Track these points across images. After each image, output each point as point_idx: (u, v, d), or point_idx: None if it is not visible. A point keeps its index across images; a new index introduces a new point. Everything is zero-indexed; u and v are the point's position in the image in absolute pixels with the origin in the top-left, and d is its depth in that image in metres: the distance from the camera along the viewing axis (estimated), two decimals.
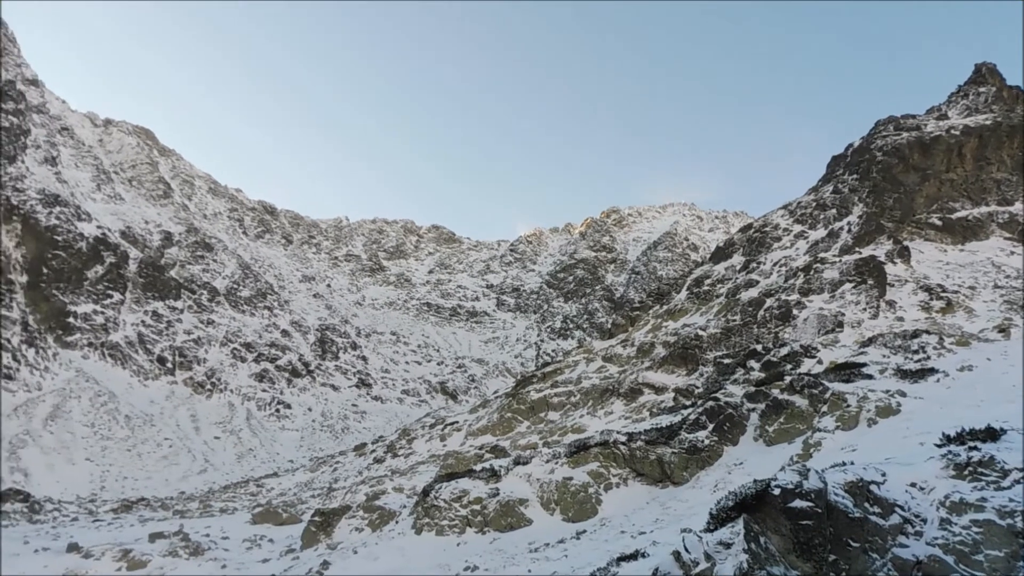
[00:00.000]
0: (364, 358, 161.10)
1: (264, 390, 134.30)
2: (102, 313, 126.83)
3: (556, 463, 24.04)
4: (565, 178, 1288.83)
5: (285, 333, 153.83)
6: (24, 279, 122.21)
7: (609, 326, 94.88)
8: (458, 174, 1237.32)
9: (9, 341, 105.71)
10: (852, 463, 10.23)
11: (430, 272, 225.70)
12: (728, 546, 8.48)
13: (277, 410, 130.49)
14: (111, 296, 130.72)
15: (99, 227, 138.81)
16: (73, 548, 25.93)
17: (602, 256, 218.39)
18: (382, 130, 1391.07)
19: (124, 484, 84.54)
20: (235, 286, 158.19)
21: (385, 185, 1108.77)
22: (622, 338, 76.92)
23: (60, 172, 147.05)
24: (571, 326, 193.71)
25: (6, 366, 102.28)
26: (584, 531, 19.00)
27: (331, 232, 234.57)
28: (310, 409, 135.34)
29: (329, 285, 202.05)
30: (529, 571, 15.39)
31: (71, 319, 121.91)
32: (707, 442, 24.32)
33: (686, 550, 8.50)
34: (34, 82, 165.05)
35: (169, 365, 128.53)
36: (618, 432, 26.67)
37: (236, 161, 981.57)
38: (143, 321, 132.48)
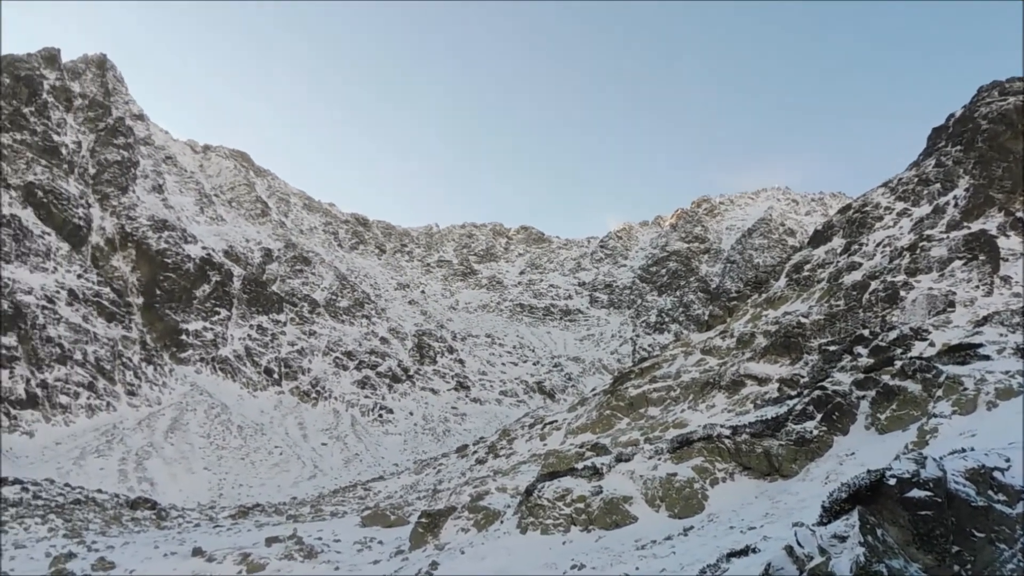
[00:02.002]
0: (461, 361, 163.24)
1: (367, 396, 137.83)
2: (211, 329, 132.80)
3: (659, 459, 23.75)
4: (652, 171, 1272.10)
5: (384, 340, 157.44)
6: (140, 301, 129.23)
7: (706, 318, 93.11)
8: (544, 174, 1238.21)
9: (131, 360, 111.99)
10: (972, 449, 9.72)
11: (521, 273, 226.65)
12: (843, 539, 8.19)
13: (380, 415, 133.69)
14: (218, 313, 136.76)
15: (204, 248, 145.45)
16: (197, 552, 27.22)
17: (695, 247, 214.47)
18: (466, 133, 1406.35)
19: (240, 491, 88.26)
20: (334, 297, 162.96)
21: (472, 190, 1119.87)
22: (720, 329, 75.35)
23: (167, 198, 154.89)
24: (667, 320, 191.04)
25: (129, 383, 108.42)
26: (691, 527, 18.70)
27: (422, 239, 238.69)
28: (411, 413, 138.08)
29: (423, 291, 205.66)
30: (637, 569, 15.26)
31: (184, 336, 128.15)
32: (816, 433, 23.55)
33: (799, 544, 8.25)
34: (140, 117, 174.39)
35: (276, 376, 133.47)
36: (722, 426, 26.17)
37: (327, 177, 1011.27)
38: (249, 335, 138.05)
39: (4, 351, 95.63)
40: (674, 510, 21.07)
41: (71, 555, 28.54)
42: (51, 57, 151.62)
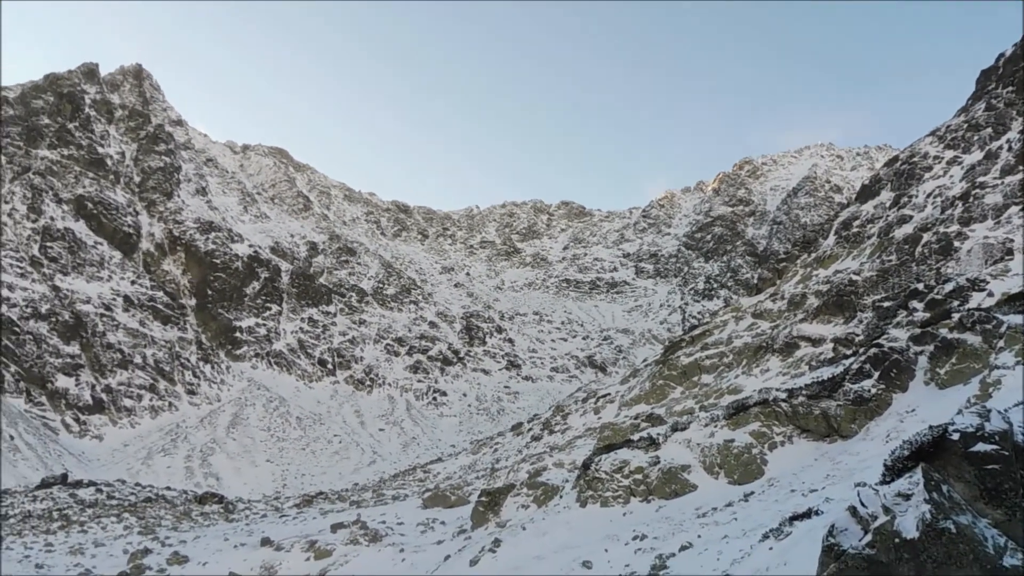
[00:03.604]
0: (510, 340, 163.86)
1: (419, 380, 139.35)
2: (264, 325, 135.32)
3: (715, 426, 23.59)
4: (691, 136, 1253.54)
5: (432, 324, 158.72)
6: (193, 302, 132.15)
7: (755, 281, 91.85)
8: (582, 148, 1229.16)
9: (188, 360, 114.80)
10: None
11: (565, 248, 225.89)
12: (907, 497, 8.03)
13: (434, 398, 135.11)
14: (269, 308, 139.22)
15: (251, 246, 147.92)
16: (266, 542, 27.93)
17: (739, 210, 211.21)
18: (502, 112, 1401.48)
19: (303, 480, 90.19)
20: (380, 285, 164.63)
21: (510, 169, 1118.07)
22: (770, 292, 74.28)
23: (211, 200, 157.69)
24: (715, 286, 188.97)
25: (188, 383, 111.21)
26: (752, 493, 18.57)
27: (464, 222, 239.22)
28: (465, 395, 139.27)
29: (468, 273, 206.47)
30: (699, 536, 15.22)
31: (237, 334, 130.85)
32: (874, 391, 23.12)
33: (862, 504, 8.12)
34: (179, 122, 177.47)
35: (330, 366, 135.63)
36: (777, 389, 25.85)
37: (366, 166, 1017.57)
38: (301, 328, 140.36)
39: (69, 359, 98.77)
40: (733, 476, 20.95)
41: (147, 551, 29.52)
42: (90, 72, 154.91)
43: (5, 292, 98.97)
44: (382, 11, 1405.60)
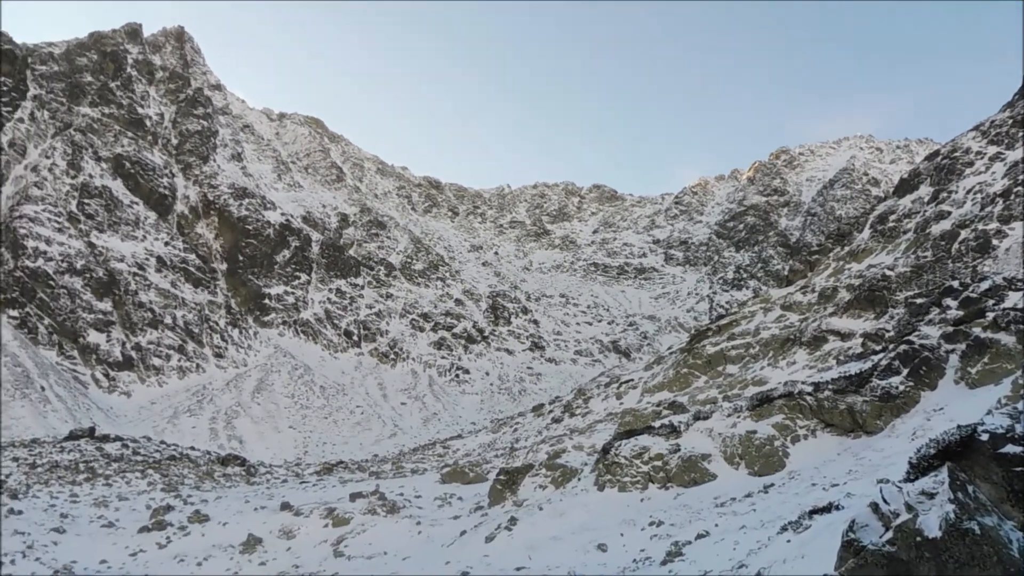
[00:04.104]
0: (535, 321, 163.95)
1: (443, 357, 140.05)
2: (292, 293, 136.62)
3: (738, 417, 23.45)
4: (728, 124, 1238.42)
5: (459, 302, 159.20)
6: (224, 267, 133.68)
7: (786, 273, 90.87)
8: (616, 131, 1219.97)
9: (217, 323, 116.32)
10: None
11: (594, 232, 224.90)
12: (931, 496, 7.93)
13: (456, 375, 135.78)
14: (299, 277, 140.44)
15: (283, 214, 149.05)
16: (286, 507, 28.31)
17: (773, 200, 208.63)
18: (536, 92, 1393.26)
19: (324, 448, 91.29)
20: (409, 260, 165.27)
21: (543, 150, 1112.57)
22: (801, 284, 73.47)
23: (245, 166, 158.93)
24: (745, 276, 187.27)
25: (216, 346, 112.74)
26: (772, 484, 18.47)
27: (494, 201, 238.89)
28: (487, 373, 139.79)
29: (496, 253, 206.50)
30: (716, 525, 15.17)
31: (266, 300, 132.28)
32: (902, 388, 22.82)
33: (884, 501, 8.03)
34: (217, 87, 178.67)
35: (355, 338, 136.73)
36: (803, 382, 25.63)
37: (399, 140, 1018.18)
38: (328, 299, 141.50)
39: (101, 316, 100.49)
40: (754, 468, 20.83)
41: (169, 508, 30.08)
42: (133, 32, 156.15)
43: (42, 246, 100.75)
44: None
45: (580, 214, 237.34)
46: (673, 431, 23.47)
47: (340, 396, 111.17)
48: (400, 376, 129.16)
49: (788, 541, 11.52)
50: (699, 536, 14.53)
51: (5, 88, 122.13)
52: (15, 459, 44.75)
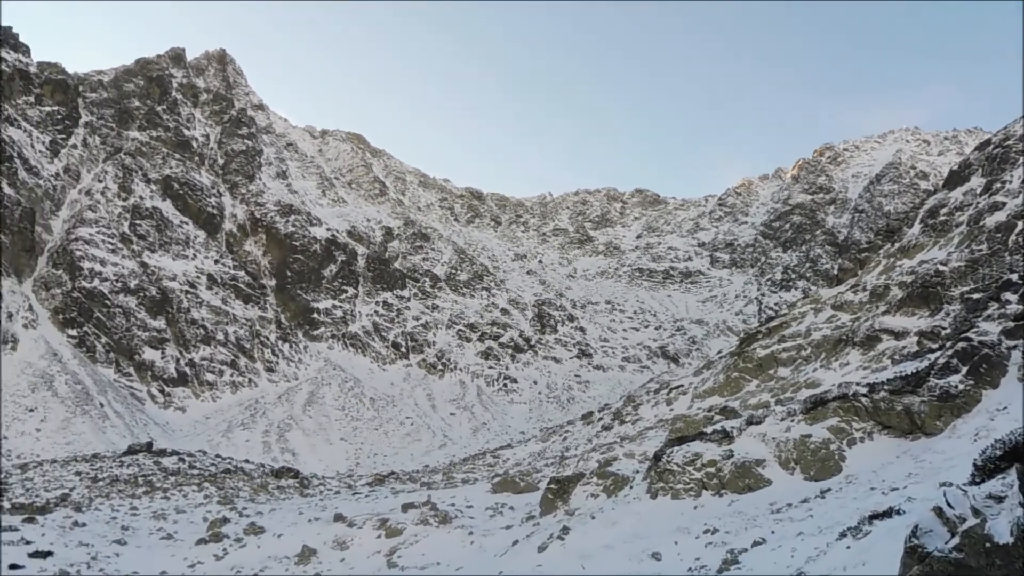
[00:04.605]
0: (582, 329, 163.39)
1: (490, 367, 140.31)
2: (340, 307, 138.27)
3: (792, 420, 23.00)
4: (769, 122, 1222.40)
5: (504, 311, 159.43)
6: (272, 283, 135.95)
7: (835, 272, 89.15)
8: (656, 135, 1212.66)
9: (268, 338, 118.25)
10: None
11: (638, 237, 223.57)
12: (1000, 500, 7.66)
13: (504, 385, 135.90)
14: (346, 291, 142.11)
15: (328, 229, 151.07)
16: (339, 518, 28.56)
17: (819, 198, 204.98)
18: (574, 100, 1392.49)
19: (375, 460, 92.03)
20: (453, 271, 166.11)
21: (584, 156, 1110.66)
22: (851, 283, 71.98)
23: (291, 184, 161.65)
24: (793, 276, 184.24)
25: (267, 360, 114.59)
26: (828, 489, 18.06)
27: (536, 209, 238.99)
28: (535, 382, 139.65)
29: (540, 261, 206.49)
30: (772, 532, 14.89)
31: (315, 315, 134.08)
32: (961, 387, 22.16)
33: (949, 505, 7.79)
34: (260, 107, 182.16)
35: (403, 350, 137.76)
36: (857, 383, 25.05)
37: (440, 153, 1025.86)
38: (376, 311, 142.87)
39: (155, 333, 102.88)
40: (809, 472, 20.40)
41: (225, 520, 30.57)
42: (177, 56, 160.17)
43: (97, 267, 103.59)
44: (459, 4, 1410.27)
45: (623, 219, 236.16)
46: (725, 436, 23.12)
47: (390, 408, 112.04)
48: (448, 387, 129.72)
49: (848, 548, 11.25)
50: (755, 543, 14.27)
51: (59, 116, 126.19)
52: (78, 473, 45.99)
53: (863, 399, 22.68)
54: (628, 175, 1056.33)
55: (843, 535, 11.92)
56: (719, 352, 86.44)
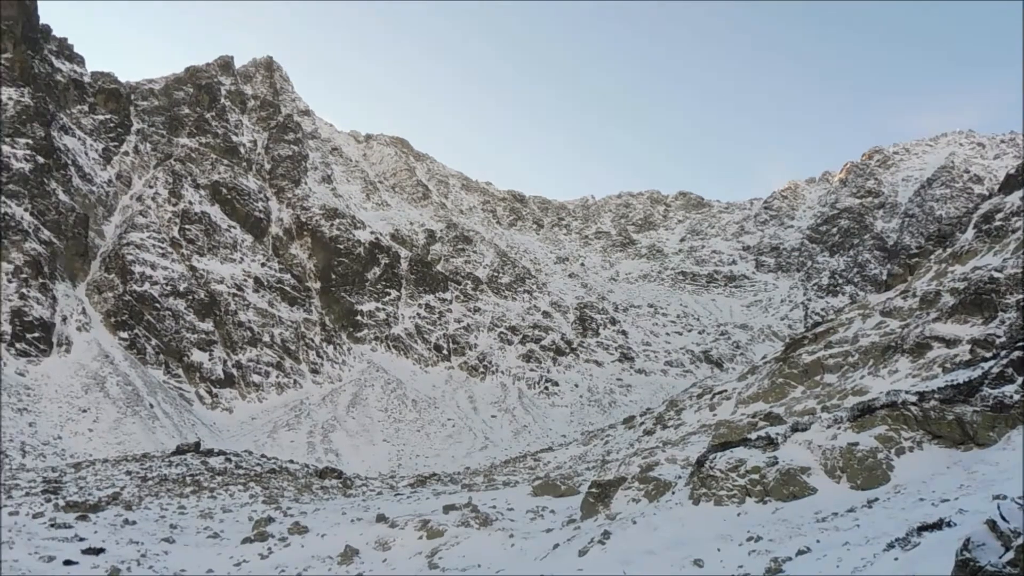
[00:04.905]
0: (624, 332, 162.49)
1: (532, 369, 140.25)
2: (383, 309, 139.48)
3: (838, 428, 22.60)
4: (817, 125, 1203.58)
5: (546, 314, 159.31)
6: (317, 285, 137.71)
7: (884, 277, 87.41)
8: (700, 137, 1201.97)
9: (313, 340, 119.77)
10: None
11: (681, 240, 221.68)
12: None
13: (546, 388, 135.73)
14: (389, 294, 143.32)
15: (372, 232, 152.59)
16: (381, 519, 28.79)
17: (868, 202, 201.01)
18: (616, 102, 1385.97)
19: (417, 461, 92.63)
20: (495, 274, 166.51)
21: (626, 159, 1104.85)
22: (901, 289, 70.45)
23: (335, 188, 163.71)
24: (840, 281, 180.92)
25: (312, 362, 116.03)
26: (876, 499, 17.70)
27: (579, 212, 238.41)
28: (576, 385, 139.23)
29: (583, 264, 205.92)
30: (818, 542, 14.65)
31: (359, 317, 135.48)
32: (1017, 397, 21.54)
33: (1003, 519, 7.59)
34: (306, 112, 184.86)
35: (445, 352, 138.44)
36: (906, 392, 24.52)
37: (482, 156, 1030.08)
38: (418, 314, 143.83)
39: (203, 335, 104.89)
40: (856, 481, 20.02)
41: (270, 519, 31.03)
42: (226, 64, 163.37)
43: (148, 271, 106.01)
44: (499, 7, 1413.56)
45: (666, 222, 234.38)
46: (770, 443, 22.81)
47: (431, 409, 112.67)
48: (490, 389, 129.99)
49: (896, 559, 11.02)
50: (799, 552, 14.05)
51: (111, 124, 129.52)
52: (128, 472, 47.09)
53: (912, 407, 22.20)
54: (672, 178, 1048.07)
55: (891, 546, 11.69)
56: (764, 357, 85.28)
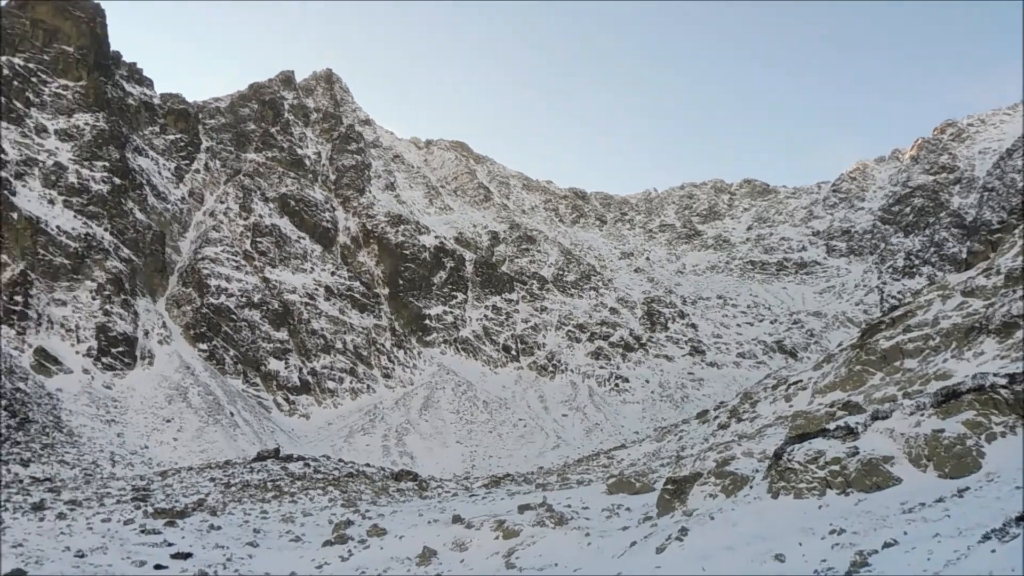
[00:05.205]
0: (693, 325, 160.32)
1: (601, 367, 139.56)
2: (451, 312, 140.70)
3: (922, 415, 21.78)
4: (882, 102, 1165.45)
5: (613, 310, 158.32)
6: (386, 291, 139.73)
7: (964, 255, 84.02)
8: (763, 122, 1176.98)
9: (383, 345, 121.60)
10: None
11: (748, 229, 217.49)
12: None
13: (616, 385, 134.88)
14: (456, 297, 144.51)
15: (436, 237, 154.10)
16: (457, 520, 28.98)
17: (942, 178, 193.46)
18: (674, 93, 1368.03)
19: (490, 462, 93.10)
20: (560, 272, 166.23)
21: (687, 149, 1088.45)
22: (983, 267, 67.62)
23: (399, 195, 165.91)
24: (916, 262, 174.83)
25: (384, 367, 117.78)
26: (967, 488, 16.98)
27: (641, 206, 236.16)
28: (647, 381, 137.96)
29: (648, 258, 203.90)
30: (905, 534, 14.14)
31: (427, 321, 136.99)
32: None
33: None
34: (367, 122, 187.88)
35: (513, 352, 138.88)
36: (995, 374, 23.50)
37: (541, 155, 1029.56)
38: (485, 315, 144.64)
39: (278, 344, 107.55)
40: (944, 470, 19.24)
41: (349, 522, 31.57)
42: (287, 79, 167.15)
43: (223, 283, 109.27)
44: (555, 9, 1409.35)
45: (732, 211, 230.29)
46: (850, 433, 22.14)
47: (502, 410, 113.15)
48: (559, 388, 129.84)
49: (992, 551, 10.55)
50: (886, 545, 13.58)
51: (182, 143, 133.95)
52: (212, 479, 48.59)
53: (1003, 391, 21.24)
54: (735, 166, 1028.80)
55: (987, 537, 11.19)
56: (839, 345, 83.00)
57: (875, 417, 23.23)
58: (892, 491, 18.88)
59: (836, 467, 20.36)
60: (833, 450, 21.07)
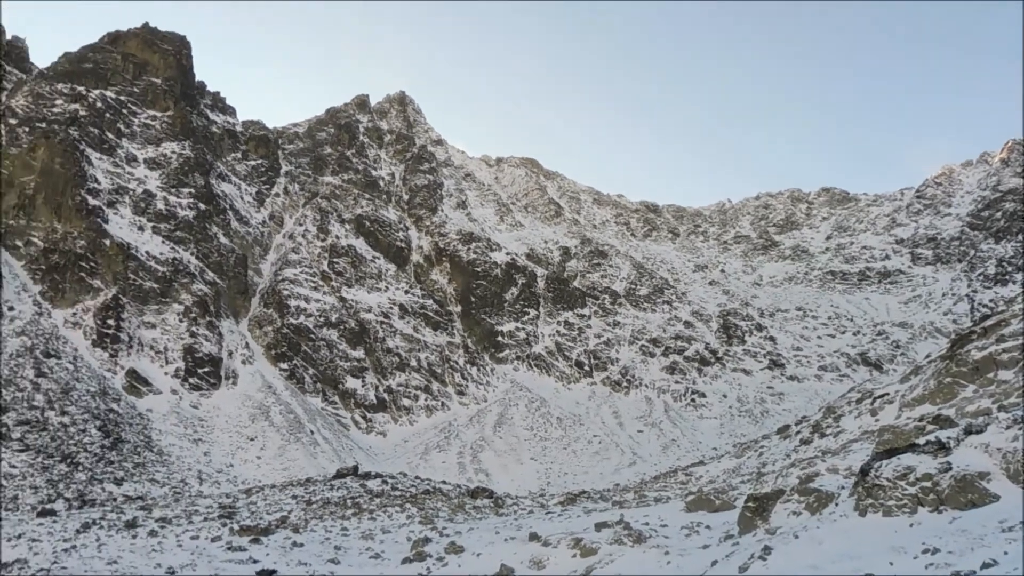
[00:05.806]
0: (772, 338, 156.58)
1: (676, 382, 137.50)
2: (523, 329, 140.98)
3: (1019, 428, 20.75)
4: (967, 104, 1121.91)
5: (688, 324, 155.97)
6: (458, 309, 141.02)
7: None
8: (840, 129, 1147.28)
9: (457, 363, 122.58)
10: None
11: (828, 238, 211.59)
12: None
13: (692, 400, 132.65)
14: (528, 313, 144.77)
15: (508, 254, 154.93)
16: (534, 537, 28.83)
17: None
18: (747, 102, 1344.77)
19: (565, 479, 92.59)
20: (633, 286, 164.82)
21: (763, 159, 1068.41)
22: None
23: (470, 213, 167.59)
24: (1009, 269, 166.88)
25: (457, 384, 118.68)
26: None
27: (715, 217, 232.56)
28: (725, 396, 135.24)
29: (723, 270, 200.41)
30: (1005, 553, 13.44)
31: (499, 338, 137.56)
32: None
33: None
34: (439, 142, 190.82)
35: (586, 368, 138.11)
36: None
37: (612, 170, 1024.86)
38: (558, 331, 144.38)
39: (355, 363, 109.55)
40: None
41: (427, 539, 31.77)
42: (362, 103, 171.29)
43: (302, 304, 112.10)
44: (622, 16, 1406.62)
45: (810, 221, 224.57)
46: (941, 448, 21.22)
47: (576, 426, 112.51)
48: (634, 403, 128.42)
49: None
50: (984, 565, 12.92)
51: (262, 168, 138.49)
52: (294, 497, 49.64)
53: None
54: (812, 175, 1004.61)
55: None
56: (927, 356, 79.73)
57: (968, 431, 22.23)
58: (989, 509, 18.01)
59: (927, 483, 19.54)
60: (924, 466, 20.23)
